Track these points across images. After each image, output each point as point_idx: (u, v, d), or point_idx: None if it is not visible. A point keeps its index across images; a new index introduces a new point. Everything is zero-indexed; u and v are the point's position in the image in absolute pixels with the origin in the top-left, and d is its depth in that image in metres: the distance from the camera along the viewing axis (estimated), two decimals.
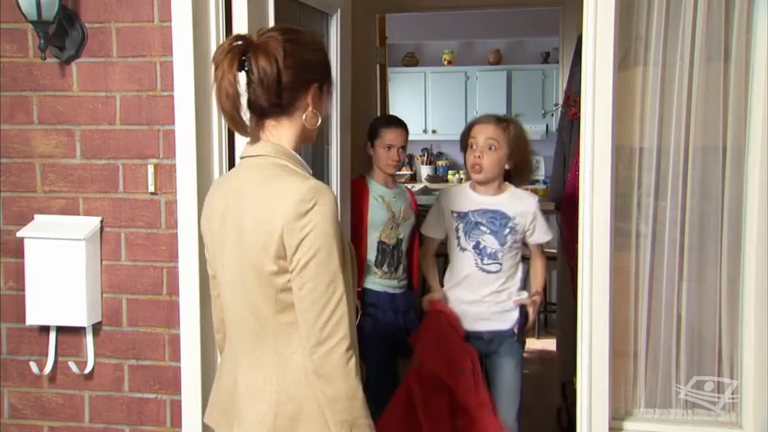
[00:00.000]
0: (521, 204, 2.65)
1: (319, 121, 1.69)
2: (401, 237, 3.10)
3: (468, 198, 2.68)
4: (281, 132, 1.67)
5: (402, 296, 3.18)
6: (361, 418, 1.59)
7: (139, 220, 2.29)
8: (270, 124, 1.67)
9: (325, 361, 1.55)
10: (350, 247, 1.68)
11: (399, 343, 3.02)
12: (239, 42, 1.65)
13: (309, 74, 1.65)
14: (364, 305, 3.04)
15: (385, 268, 3.09)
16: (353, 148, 3.04)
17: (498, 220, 2.63)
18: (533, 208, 2.65)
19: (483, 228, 2.63)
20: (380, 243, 3.07)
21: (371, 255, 3.07)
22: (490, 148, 2.59)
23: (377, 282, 3.10)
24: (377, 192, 3.11)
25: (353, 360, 1.56)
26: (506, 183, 2.70)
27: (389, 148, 3.09)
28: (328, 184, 2.66)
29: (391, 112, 6.05)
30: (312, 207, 1.52)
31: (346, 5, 2.94)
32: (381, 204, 3.08)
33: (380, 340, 3.04)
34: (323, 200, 1.54)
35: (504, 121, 2.66)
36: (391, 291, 3.12)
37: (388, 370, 3.07)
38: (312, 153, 2.69)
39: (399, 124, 3.14)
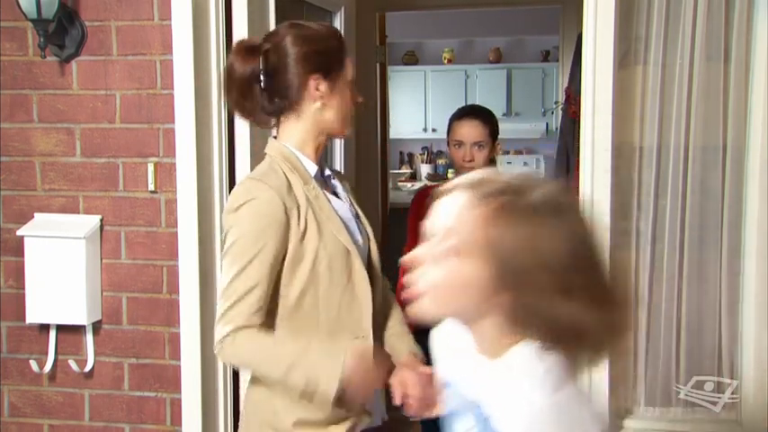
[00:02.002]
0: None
1: (334, 113, 1.65)
2: None
3: None
4: (289, 130, 1.66)
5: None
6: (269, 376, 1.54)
7: (139, 218, 2.29)
8: (281, 122, 1.67)
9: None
10: (344, 253, 1.59)
11: None
12: (252, 43, 1.65)
13: (308, 65, 1.60)
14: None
15: None
16: (355, 148, 3.04)
17: None
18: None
19: None
20: None
21: None
22: None
23: None
24: None
25: (242, 336, 1.51)
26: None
27: (459, 145, 2.48)
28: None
29: (391, 111, 6.04)
30: (243, 204, 1.54)
31: (349, 3, 2.94)
32: None
33: None
34: (250, 197, 1.53)
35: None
36: None
37: None
38: None
39: (473, 115, 2.51)
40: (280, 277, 1.56)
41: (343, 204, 1.70)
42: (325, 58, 1.63)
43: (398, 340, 1.72)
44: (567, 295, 0.98)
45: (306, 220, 1.57)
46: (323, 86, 1.62)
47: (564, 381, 1.00)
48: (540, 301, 0.98)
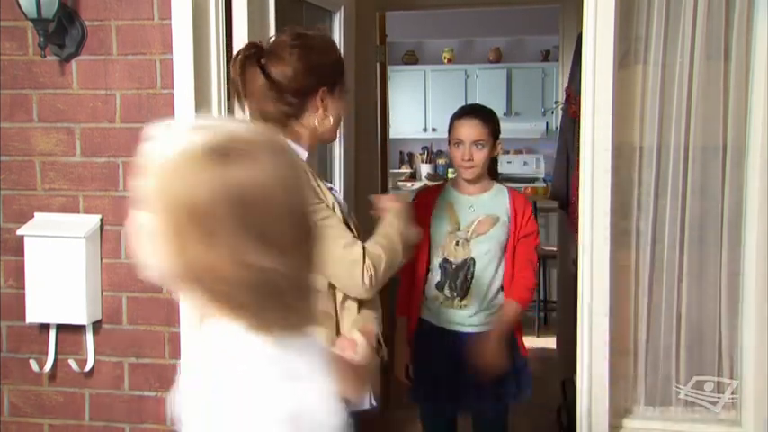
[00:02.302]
0: None
1: (331, 122, 1.74)
2: (472, 255, 2.44)
3: None
4: (290, 133, 1.72)
5: (471, 340, 2.43)
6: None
7: None
8: (280, 127, 1.72)
9: None
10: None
11: (456, 399, 2.47)
12: (253, 50, 1.69)
13: (316, 78, 1.68)
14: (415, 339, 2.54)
15: (446, 292, 2.47)
16: (355, 148, 3.04)
17: None
18: None
19: None
20: (444, 261, 2.48)
21: (437, 277, 2.49)
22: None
23: (436, 311, 2.50)
24: (448, 198, 2.52)
25: (372, 256, 1.72)
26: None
27: (459, 144, 2.45)
28: (332, 183, 2.65)
29: (391, 111, 6.03)
30: None
31: (349, 2, 2.93)
32: (444, 214, 2.50)
33: (426, 393, 2.55)
34: None
35: None
36: (450, 327, 2.46)
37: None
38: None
39: (473, 114, 2.49)
40: None
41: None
42: (331, 70, 1.72)
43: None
44: (255, 246, 0.88)
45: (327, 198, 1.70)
46: (327, 98, 1.70)
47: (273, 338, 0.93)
48: (223, 256, 0.89)
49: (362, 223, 1.94)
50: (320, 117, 1.71)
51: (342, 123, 1.83)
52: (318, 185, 1.71)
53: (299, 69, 1.67)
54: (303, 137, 1.74)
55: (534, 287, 2.52)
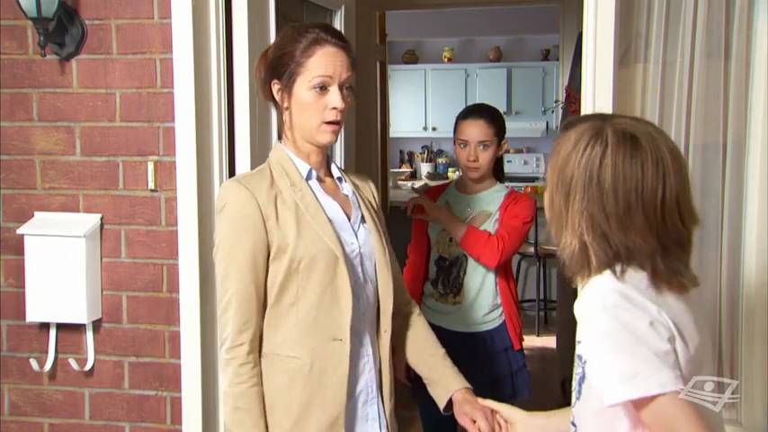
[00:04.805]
0: None
1: (297, 117, 1.62)
2: (464, 252, 2.44)
3: None
4: (285, 131, 1.70)
5: (469, 340, 2.42)
6: (230, 424, 1.58)
7: (139, 217, 2.29)
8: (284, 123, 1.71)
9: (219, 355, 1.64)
10: (329, 254, 1.59)
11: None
12: None
13: (269, 73, 1.65)
14: None
15: (440, 288, 2.49)
16: (355, 147, 3.04)
17: None
18: None
19: None
20: (439, 259, 2.50)
21: (432, 274, 2.52)
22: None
23: (433, 309, 2.49)
24: (447, 198, 2.56)
25: (232, 365, 1.57)
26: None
27: (464, 144, 2.46)
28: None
29: (391, 110, 6.04)
30: (222, 207, 1.59)
31: (350, 1, 2.93)
32: None
33: (426, 393, 2.37)
34: (228, 199, 1.58)
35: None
36: (447, 327, 2.40)
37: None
38: None
39: (478, 115, 2.48)
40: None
41: (334, 206, 1.68)
42: (280, 63, 1.61)
43: (445, 372, 1.81)
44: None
45: (284, 219, 1.59)
46: (280, 93, 1.63)
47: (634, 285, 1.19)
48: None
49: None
50: (288, 112, 1.63)
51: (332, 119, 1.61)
52: (277, 220, 1.59)
53: (262, 65, 1.67)
54: (293, 137, 1.66)
55: (489, 245, 2.37)
